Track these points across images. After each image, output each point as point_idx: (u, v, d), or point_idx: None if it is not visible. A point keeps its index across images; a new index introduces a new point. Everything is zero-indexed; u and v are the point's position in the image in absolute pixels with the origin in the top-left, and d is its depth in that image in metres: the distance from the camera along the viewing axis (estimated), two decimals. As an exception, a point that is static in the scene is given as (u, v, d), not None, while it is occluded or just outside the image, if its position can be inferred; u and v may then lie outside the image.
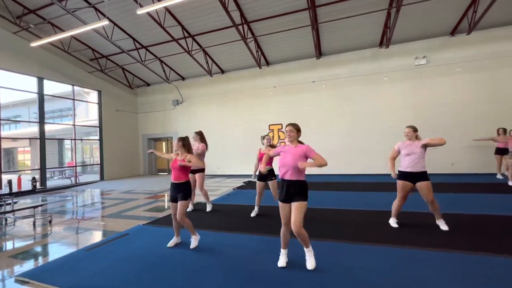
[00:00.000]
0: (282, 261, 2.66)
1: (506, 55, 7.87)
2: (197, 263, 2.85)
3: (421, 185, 3.44)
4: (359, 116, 9.33)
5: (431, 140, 3.41)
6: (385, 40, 8.63)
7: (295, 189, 2.54)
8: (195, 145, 5.04)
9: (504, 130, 7.08)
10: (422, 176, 3.45)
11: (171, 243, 3.36)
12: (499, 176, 7.29)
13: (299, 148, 2.60)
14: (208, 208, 5.17)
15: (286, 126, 2.70)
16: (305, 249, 2.64)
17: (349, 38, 8.83)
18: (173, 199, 3.30)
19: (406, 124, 3.98)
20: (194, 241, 3.31)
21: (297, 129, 2.67)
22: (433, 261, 2.63)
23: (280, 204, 2.63)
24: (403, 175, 3.56)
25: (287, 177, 2.57)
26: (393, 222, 3.74)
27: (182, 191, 3.24)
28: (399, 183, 3.60)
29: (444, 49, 8.47)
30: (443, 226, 3.48)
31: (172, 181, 3.31)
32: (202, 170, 5.06)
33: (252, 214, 4.63)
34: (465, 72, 8.25)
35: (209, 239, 3.54)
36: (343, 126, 9.52)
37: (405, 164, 3.53)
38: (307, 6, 7.30)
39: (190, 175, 4.99)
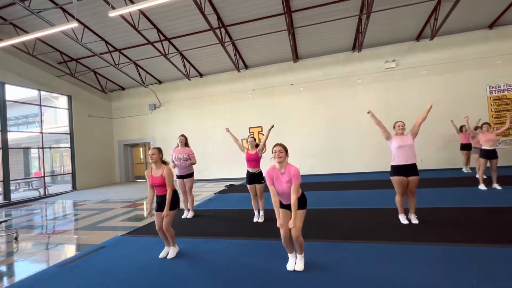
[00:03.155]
0: (290, 264, 2.64)
1: (464, 59, 8.58)
2: (180, 272, 2.79)
3: (412, 179, 3.63)
4: (335, 117, 9.67)
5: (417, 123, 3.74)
6: (357, 45, 9.05)
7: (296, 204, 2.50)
8: (180, 150, 4.89)
9: (462, 126, 7.63)
10: (414, 169, 3.62)
11: (163, 253, 3.23)
12: (465, 170, 7.87)
13: (288, 171, 2.52)
14: (190, 215, 5.05)
15: (275, 146, 2.57)
16: (298, 254, 2.64)
17: (324, 42, 9.15)
18: (159, 209, 3.17)
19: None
20: (173, 252, 3.22)
21: (286, 149, 2.59)
22: (407, 254, 2.79)
23: (281, 210, 2.58)
24: (397, 170, 3.64)
25: (284, 201, 2.60)
26: (402, 218, 3.74)
27: (165, 201, 3.12)
28: (394, 179, 3.68)
29: (411, 53, 9.05)
30: (415, 220, 3.69)
31: (157, 194, 3.20)
32: (191, 175, 4.99)
33: (255, 219, 4.43)
34: (430, 74, 8.87)
35: (191, 246, 3.48)
36: (320, 127, 9.80)
37: (399, 158, 3.63)
38: (283, 11, 7.46)
39: (179, 181, 4.92)
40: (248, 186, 4.47)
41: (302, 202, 2.57)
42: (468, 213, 4.04)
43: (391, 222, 3.84)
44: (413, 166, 3.63)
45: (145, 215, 3.06)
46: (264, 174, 4.36)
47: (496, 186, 5.51)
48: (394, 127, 3.84)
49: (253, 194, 4.45)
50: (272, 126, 4.48)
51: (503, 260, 2.51)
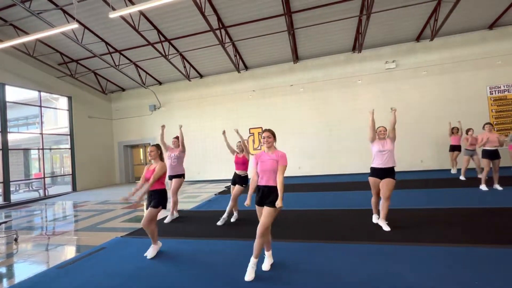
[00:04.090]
0: (250, 273, 2.52)
1: (464, 60, 8.58)
2: (179, 273, 2.78)
3: (384, 181, 3.58)
4: (335, 118, 9.66)
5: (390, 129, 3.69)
6: (357, 45, 9.05)
7: (268, 194, 2.56)
8: (174, 149, 4.94)
9: (456, 128, 7.67)
10: (390, 172, 3.61)
11: (149, 253, 3.25)
12: (453, 171, 7.84)
13: (275, 153, 2.62)
14: (169, 219, 4.82)
15: (263, 132, 2.68)
16: (266, 252, 2.74)
17: (324, 43, 9.15)
18: (149, 205, 3.27)
19: (380, 124, 4.13)
20: (153, 250, 3.23)
21: (273, 134, 2.69)
22: (401, 255, 2.78)
23: (256, 207, 2.69)
24: (374, 172, 3.72)
25: (263, 182, 2.60)
26: (375, 219, 3.86)
27: (156, 198, 3.22)
28: (370, 180, 3.78)
29: (411, 54, 9.05)
30: (386, 227, 3.55)
31: (150, 190, 3.28)
32: (180, 176, 4.95)
33: (232, 219, 4.55)
34: (430, 75, 8.87)
35: (191, 247, 3.47)
36: (320, 127, 9.79)
37: (377, 161, 3.68)
38: (283, 12, 7.47)
39: (170, 181, 4.88)
40: (231, 186, 4.59)
41: (276, 198, 2.51)
42: (469, 214, 4.03)
43: (392, 223, 3.82)
44: (390, 169, 3.63)
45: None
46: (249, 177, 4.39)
47: (497, 186, 5.50)
48: (376, 132, 3.80)
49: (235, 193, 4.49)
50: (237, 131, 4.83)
51: (505, 261, 2.50)
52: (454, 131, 7.67)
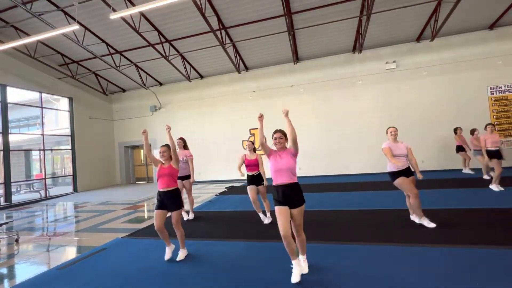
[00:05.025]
0: (296, 275, 2.40)
1: (465, 60, 8.57)
2: (181, 274, 2.78)
3: (412, 179, 3.69)
4: (336, 119, 9.66)
5: (411, 156, 3.72)
6: (358, 46, 9.05)
7: (292, 194, 2.48)
8: (179, 152, 4.95)
9: (457, 128, 7.69)
10: (409, 171, 3.71)
11: (167, 255, 3.16)
12: (464, 171, 7.85)
13: (286, 151, 2.59)
14: (191, 216, 5.06)
15: (275, 133, 2.63)
16: (301, 256, 2.59)
17: (324, 44, 9.15)
18: (162, 207, 3.11)
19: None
20: (182, 255, 3.17)
21: (285, 135, 2.64)
22: (401, 255, 2.77)
23: (277, 208, 2.47)
24: (397, 173, 3.66)
25: (283, 181, 2.50)
26: (426, 222, 3.60)
27: (173, 198, 3.11)
28: (400, 180, 3.64)
29: (411, 54, 9.04)
30: (429, 224, 3.55)
31: (160, 190, 3.14)
32: (189, 176, 4.98)
33: (265, 221, 4.35)
34: (430, 75, 8.86)
35: (192, 248, 3.47)
36: (321, 128, 9.79)
37: (399, 165, 3.61)
38: (283, 13, 7.48)
39: (178, 181, 4.88)
40: (249, 187, 4.42)
41: (301, 194, 2.52)
42: (471, 215, 4.02)
43: (393, 223, 3.82)
44: (408, 169, 3.68)
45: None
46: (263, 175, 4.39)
47: (498, 187, 5.48)
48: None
49: (252, 195, 4.37)
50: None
51: (505, 262, 2.49)
52: (457, 131, 7.67)
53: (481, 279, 2.24)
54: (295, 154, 2.57)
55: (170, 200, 3.11)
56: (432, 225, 3.53)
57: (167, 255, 3.17)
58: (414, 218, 3.79)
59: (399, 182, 3.67)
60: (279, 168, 2.51)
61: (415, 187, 3.64)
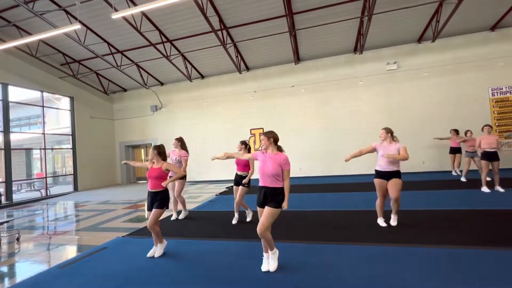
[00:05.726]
0: (265, 265, 2.71)
1: (466, 61, 8.56)
2: (181, 273, 2.79)
3: (391, 182, 3.62)
4: (336, 119, 9.66)
5: (400, 155, 3.57)
6: (359, 46, 9.05)
7: (271, 196, 2.61)
8: (176, 152, 4.96)
9: (456, 130, 7.68)
10: (395, 174, 3.65)
11: (150, 253, 3.28)
12: (454, 173, 7.87)
13: (278, 156, 2.66)
14: (182, 215, 5.07)
15: (260, 135, 2.80)
16: (269, 251, 2.72)
17: (326, 44, 9.16)
18: (150, 208, 3.26)
19: (381, 125, 4.15)
20: (160, 249, 3.29)
21: (268, 137, 2.71)
22: (401, 256, 2.77)
23: (258, 209, 2.73)
24: (379, 174, 3.72)
25: (267, 184, 2.63)
26: (381, 222, 3.81)
27: (159, 199, 3.22)
28: (376, 181, 3.76)
29: (412, 55, 9.04)
30: (393, 222, 3.75)
31: (149, 190, 3.28)
32: (183, 177, 4.96)
33: (234, 222, 4.55)
34: (431, 76, 8.86)
35: (192, 247, 3.48)
36: (322, 129, 9.79)
37: (382, 164, 3.70)
38: (284, 13, 7.48)
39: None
40: (234, 187, 4.60)
41: (278, 199, 2.60)
42: (471, 216, 4.02)
43: (393, 224, 3.82)
44: (395, 172, 3.69)
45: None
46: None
47: (499, 188, 5.48)
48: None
49: (236, 195, 4.52)
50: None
51: (505, 263, 2.49)
52: (452, 133, 7.68)
53: (481, 280, 2.24)
54: (283, 167, 2.63)
55: (156, 200, 3.24)
56: (384, 224, 3.74)
57: (150, 253, 3.27)
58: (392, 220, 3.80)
59: (375, 182, 3.78)
60: (264, 173, 2.66)
61: (396, 191, 3.56)
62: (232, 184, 4.79)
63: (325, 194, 6.48)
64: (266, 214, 2.57)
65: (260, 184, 2.69)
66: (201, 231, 4.23)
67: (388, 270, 2.53)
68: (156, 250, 3.28)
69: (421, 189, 6.23)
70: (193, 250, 3.40)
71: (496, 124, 8.35)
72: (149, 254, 3.26)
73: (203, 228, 4.43)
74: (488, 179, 6.35)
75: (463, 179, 6.80)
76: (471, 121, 8.12)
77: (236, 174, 4.59)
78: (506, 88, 8.35)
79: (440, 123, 8.63)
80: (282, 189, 2.63)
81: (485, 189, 5.52)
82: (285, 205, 2.59)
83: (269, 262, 2.69)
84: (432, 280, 2.30)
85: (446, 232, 3.41)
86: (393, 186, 3.60)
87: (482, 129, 5.66)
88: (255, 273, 2.66)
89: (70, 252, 3.84)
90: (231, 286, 2.47)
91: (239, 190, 4.44)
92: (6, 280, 3.05)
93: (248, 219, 4.56)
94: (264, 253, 2.76)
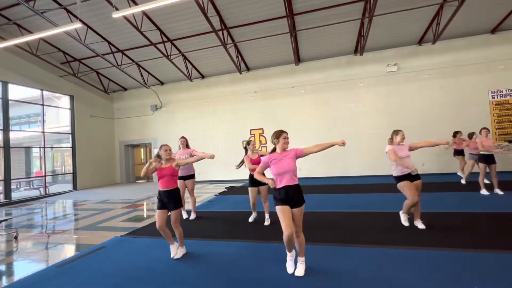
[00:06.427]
0: (290, 266, 2.62)
1: (466, 63, 8.57)
2: (179, 273, 2.78)
3: (417, 183, 3.68)
4: (337, 120, 9.66)
5: (419, 145, 3.69)
6: (359, 48, 9.06)
7: (294, 192, 2.53)
8: (182, 151, 4.93)
9: (456, 132, 7.65)
10: (415, 176, 3.69)
11: (172, 253, 3.17)
12: (459, 174, 7.82)
13: (288, 152, 2.63)
14: (193, 216, 5.04)
15: (283, 133, 2.65)
16: (299, 257, 2.62)
17: (326, 45, 9.16)
18: (163, 206, 3.15)
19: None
20: (180, 253, 3.19)
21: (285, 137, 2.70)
22: (401, 258, 2.77)
23: (279, 208, 2.51)
24: (403, 176, 3.65)
25: (286, 183, 2.53)
26: (420, 224, 3.69)
27: (173, 197, 3.14)
28: (403, 183, 3.63)
29: (413, 57, 9.05)
30: (420, 225, 3.66)
31: (161, 190, 3.16)
32: (193, 176, 5.01)
33: (251, 220, 4.51)
34: (432, 78, 8.86)
35: (191, 247, 3.47)
36: (322, 130, 9.78)
37: (402, 169, 3.63)
38: (285, 14, 7.49)
39: (179, 181, 4.81)
40: (250, 188, 4.38)
41: (302, 195, 2.58)
42: (470, 218, 4.01)
43: (393, 226, 3.81)
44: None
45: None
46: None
47: (498, 191, 5.48)
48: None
49: (253, 196, 4.39)
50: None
51: (505, 267, 2.49)
52: (456, 135, 7.63)
53: (480, 283, 2.24)
54: (299, 156, 2.63)
55: (169, 200, 3.14)
56: (421, 226, 3.65)
57: (172, 253, 3.18)
58: (417, 223, 3.74)
59: (401, 185, 3.68)
60: (280, 172, 2.55)
61: (418, 193, 3.60)
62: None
63: (325, 195, 6.48)
64: (298, 215, 2.51)
65: (279, 186, 2.56)
66: (200, 231, 4.22)
67: (386, 272, 2.52)
68: (177, 252, 3.17)
69: (421, 190, 6.21)
70: (193, 250, 3.39)
71: (496, 127, 8.36)
72: (172, 255, 3.16)
73: (202, 228, 4.42)
74: (487, 182, 6.35)
75: (463, 181, 6.79)
76: (470, 123, 8.11)
77: (250, 174, 4.36)
78: (506, 91, 8.35)
79: (440, 125, 8.63)
80: (299, 185, 2.60)
81: (484, 191, 5.52)
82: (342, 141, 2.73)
83: (298, 267, 2.56)
84: (430, 282, 2.29)
85: (444, 234, 3.41)
86: (419, 186, 3.73)
87: (480, 131, 5.66)
88: (255, 273, 2.65)
89: (68, 251, 3.83)
90: (230, 285, 2.46)
91: (262, 191, 4.31)
92: (4, 278, 3.04)
93: (266, 223, 4.30)
94: (288, 255, 2.63)
